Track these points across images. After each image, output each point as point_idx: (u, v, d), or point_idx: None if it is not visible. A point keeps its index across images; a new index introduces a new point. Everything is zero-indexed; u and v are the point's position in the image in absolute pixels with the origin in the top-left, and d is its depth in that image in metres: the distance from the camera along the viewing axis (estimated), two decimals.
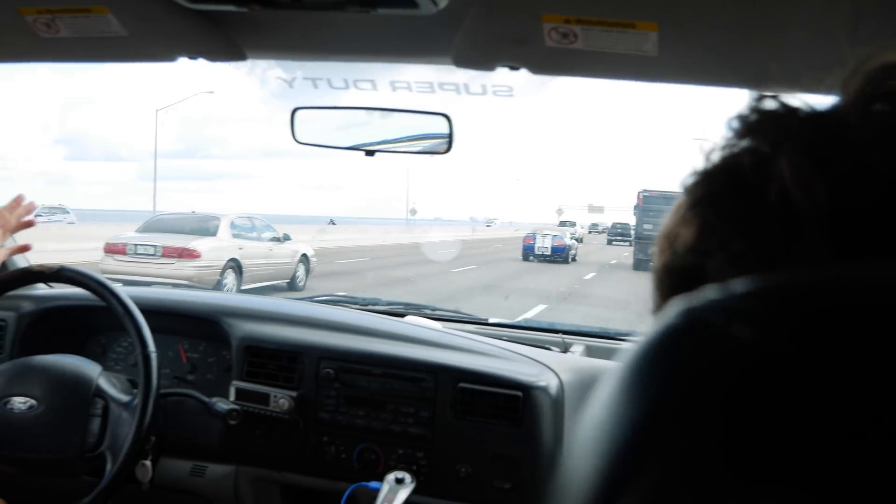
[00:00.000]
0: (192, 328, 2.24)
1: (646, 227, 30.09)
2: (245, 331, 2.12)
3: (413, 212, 78.53)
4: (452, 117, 1.67)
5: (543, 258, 30.41)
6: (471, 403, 1.89)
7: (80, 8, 1.38)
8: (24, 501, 1.86)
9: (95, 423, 1.76)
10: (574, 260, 32.04)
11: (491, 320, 2.57)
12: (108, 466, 1.72)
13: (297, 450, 2.01)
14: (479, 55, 1.42)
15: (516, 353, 2.06)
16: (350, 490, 1.89)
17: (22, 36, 1.51)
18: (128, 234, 15.54)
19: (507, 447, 1.86)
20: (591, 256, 35.71)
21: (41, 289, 2.37)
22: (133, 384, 1.93)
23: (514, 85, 1.66)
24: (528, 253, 31.10)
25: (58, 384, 1.79)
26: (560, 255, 30.78)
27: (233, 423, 1.93)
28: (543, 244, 30.91)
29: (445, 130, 1.67)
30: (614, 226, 57.48)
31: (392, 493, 1.80)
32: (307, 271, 17.00)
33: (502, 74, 1.53)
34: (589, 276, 24.27)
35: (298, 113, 1.81)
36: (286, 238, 16.68)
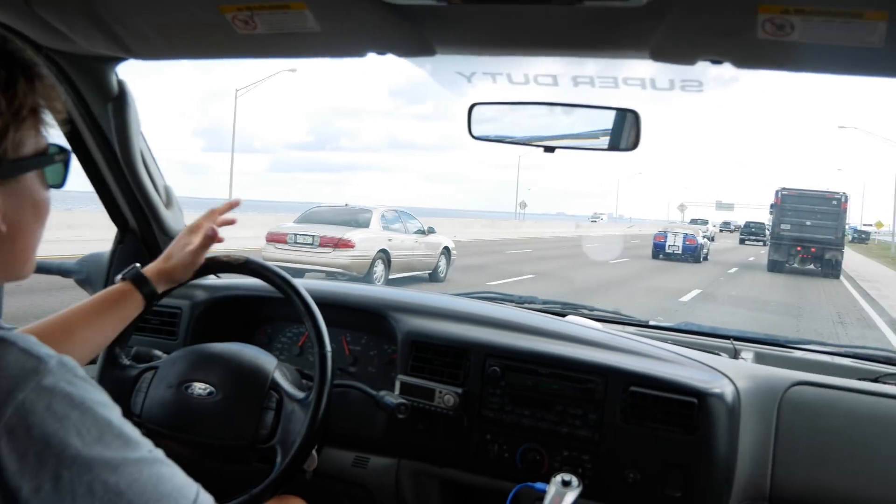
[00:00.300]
0: (355, 321, 2.26)
1: (783, 227, 29.06)
2: (412, 326, 2.13)
3: (523, 205, 77.28)
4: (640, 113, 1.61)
5: (674, 257, 29.94)
6: (642, 408, 1.83)
7: (278, 4, 1.40)
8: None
9: (269, 416, 1.79)
10: (706, 259, 31.39)
11: (651, 322, 2.50)
12: (279, 459, 1.74)
13: (460, 446, 2.00)
14: (680, 49, 1.36)
15: (687, 357, 1.99)
16: (515, 490, 1.86)
17: (220, 33, 1.54)
18: (287, 224, 16.95)
19: (679, 454, 1.79)
20: (726, 255, 34.71)
21: (211, 279, 2.44)
22: (302, 376, 1.96)
23: (705, 80, 1.59)
24: (658, 251, 30.83)
25: (237, 374, 1.82)
26: (691, 255, 30.31)
27: (401, 416, 1.93)
28: (675, 242, 30.49)
29: (632, 126, 1.62)
30: (748, 224, 56.51)
31: (559, 496, 1.76)
32: (448, 263, 18.15)
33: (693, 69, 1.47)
34: (723, 277, 23.73)
35: (476, 108, 1.79)
36: (430, 231, 17.78)
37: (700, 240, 31.28)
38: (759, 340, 2.32)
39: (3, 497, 0.87)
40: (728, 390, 1.83)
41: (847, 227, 35.84)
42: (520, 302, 2.58)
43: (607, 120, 1.67)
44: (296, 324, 2.43)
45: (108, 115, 2.00)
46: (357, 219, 16.36)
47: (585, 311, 2.53)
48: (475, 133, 1.81)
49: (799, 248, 28.15)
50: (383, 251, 15.84)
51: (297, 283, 1.87)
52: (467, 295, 2.55)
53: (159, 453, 0.99)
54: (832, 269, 27.96)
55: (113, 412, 0.97)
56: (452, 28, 1.47)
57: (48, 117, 1.07)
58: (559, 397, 1.92)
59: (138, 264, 1.81)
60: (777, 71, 1.39)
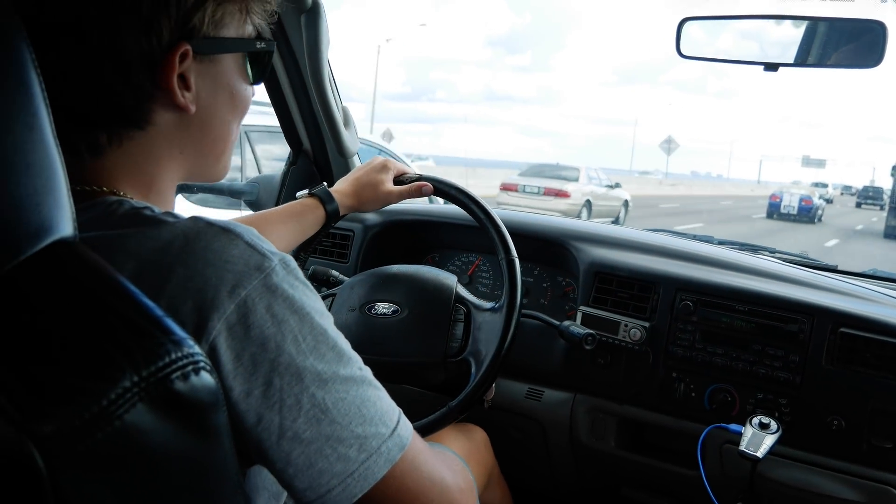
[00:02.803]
0: (529, 251, 2.19)
1: None
2: (594, 255, 2.05)
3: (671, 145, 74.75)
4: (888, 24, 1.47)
5: (789, 217, 29.73)
6: (852, 351, 1.72)
7: None
8: None
9: (459, 328, 1.74)
10: (820, 220, 30.92)
11: (840, 268, 2.36)
12: (473, 370, 1.69)
13: (643, 384, 1.93)
14: None
15: None
16: (708, 430, 1.78)
17: None
18: (515, 177, 21.96)
19: (892, 403, 1.67)
20: (842, 219, 33.74)
21: None
22: (482, 297, 1.91)
23: None
24: (773, 210, 30.66)
25: (420, 290, 1.79)
26: (806, 215, 30.11)
27: (588, 347, 1.86)
28: (790, 203, 30.34)
29: (877, 39, 1.48)
30: (865, 189, 56.86)
31: (757, 439, 1.67)
32: (626, 213, 22.82)
33: None
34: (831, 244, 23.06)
35: (686, 25, 1.68)
36: (617, 185, 22.48)
37: (816, 201, 31.05)
38: None
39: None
40: None
41: None
42: (698, 239, 2.47)
43: (844, 34, 1.54)
44: (464, 252, 2.40)
45: (299, 28, 1.97)
46: (569, 175, 21.01)
47: (767, 253, 2.41)
48: (685, 51, 1.70)
49: None
50: (588, 201, 20.25)
51: (478, 195, 1.82)
52: (648, 230, 2.46)
53: (368, 372, 0.96)
54: None
55: (329, 322, 0.93)
56: None
57: (257, 5, 1.04)
58: (758, 336, 1.81)
59: (325, 183, 1.81)
60: None
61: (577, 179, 20.62)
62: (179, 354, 0.68)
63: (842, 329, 1.73)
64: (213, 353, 0.84)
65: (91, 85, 0.92)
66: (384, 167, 1.87)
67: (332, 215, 1.77)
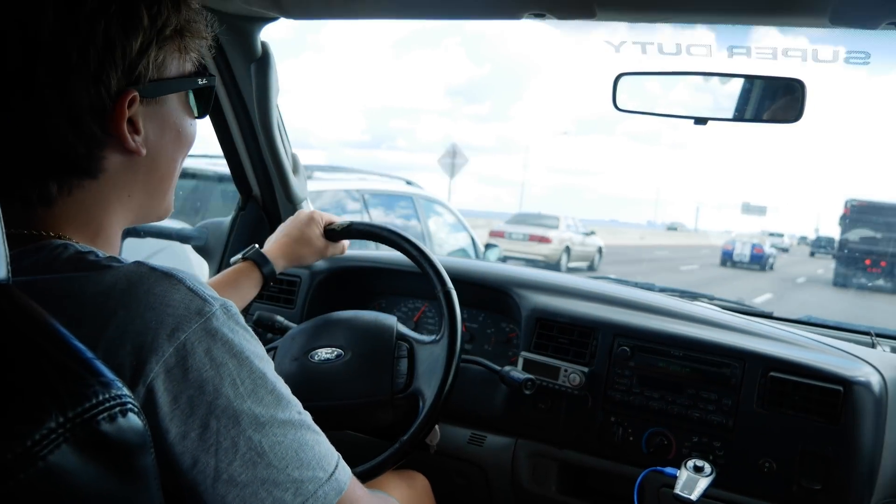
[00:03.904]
0: (473, 298, 2.23)
1: (851, 239, 28.25)
2: (536, 302, 2.09)
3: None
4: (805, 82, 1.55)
5: (741, 265, 30.36)
6: (781, 394, 1.77)
7: None
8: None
9: (403, 364, 1.76)
10: (772, 268, 31.55)
11: (775, 314, 2.42)
12: (421, 403, 1.70)
13: (583, 428, 1.96)
14: (863, 10, 1.30)
15: (827, 344, 1.92)
16: (644, 474, 1.81)
17: None
18: (502, 224, 23.84)
19: (820, 445, 1.72)
20: (794, 268, 34.29)
21: None
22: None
23: (872, 50, 1.53)
24: (726, 259, 31.37)
25: (361, 332, 1.81)
26: (758, 263, 30.93)
27: (528, 392, 1.90)
28: (742, 251, 31.22)
29: (796, 97, 1.56)
30: (818, 238, 58.91)
31: (691, 482, 1.71)
32: (600, 258, 24.28)
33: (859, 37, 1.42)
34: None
35: (623, 79, 1.75)
36: (592, 233, 24.15)
37: (767, 249, 32.10)
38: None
39: (154, 438, 0.86)
40: (874, 379, 1.75)
41: None
42: (639, 286, 2.53)
43: (768, 90, 1.62)
44: (411, 298, 2.42)
45: (248, 76, 2.01)
46: (550, 223, 22.69)
47: (705, 300, 2.47)
48: (620, 105, 1.77)
49: (868, 262, 27.28)
50: (567, 247, 21.84)
51: (407, 233, 1.86)
52: (588, 277, 2.50)
53: (307, 417, 0.97)
54: None
55: (268, 366, 0.95)
56: None
57: (193, 42, 1.07)
58: (692, 381, 1.86)
59: (256, 245, 1.83)
60: None
61: (556, 227, 22.39)
62: (107, 396, 0.69)
63: (772, 373, 1.78)
64: (150, 396, 0.85)
65: (43, 136, 0.94)
66: (311, 220, 1.90)
67: (269, 277, 1.79)
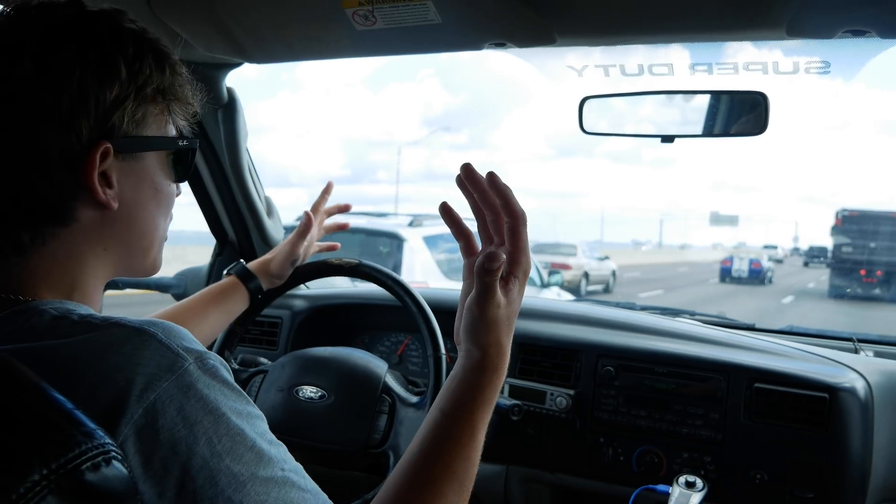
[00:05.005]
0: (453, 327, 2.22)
1: (844, 249, 28.28)
2: (518, 328, 2.06)
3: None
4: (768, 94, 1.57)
5: (740, 280, 30.61)
6: (768, 405, 1.77)
7: None
8: None
9: (382, 420, 1.76)
10: (771, 282, 31.62)
11: (757, 325, 2.42)
12: (391, 464, 1.70)
13: (573, 450, 1.95)
14: (819, 20, 1.31)
15: (810, 353, 1.92)
16: (636, 493, 1.80)
17: (338, 30, 1.54)
18: None
19: (810, 453, 1.72)
20: (790, 279, 34.47)
21: (303, 289, 2.44)
22: (410, 382, 1.93)
23: (832, 59, 1.54)
24: (725, 275, 31.92)
25: (348, 377, 1.81)
26: (757, 277, 31.22)
27: (515, 418, 1.90)
28: (740, 266, 31.61)
29: (760, 109, 1.57)
30: (811, 248, 59.59)
31: (683, 498, 1.70)
32: (614, 281, 25.67)
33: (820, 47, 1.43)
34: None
35: (588, 102, 1.76)
36: (606, 258, 26.01)
37: (765, 263, 32.52)
38: (879, 341, 2.22)
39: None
40: (859, 385, 1.75)
41: None
42: (620, 306, 2.53)
43: (732, 105, 1.63)
44: (394, 332, 2.41)
45: (217, 122, 2.02)
46: (568, 251, 24.09)
47: (686, 316, 2.47)
48: (587, 128, 1.78)
49: (863, 272, 27.28)
50: (585, 272, 23.05)
51: (412, 286, 1.85)
52: (569, 300, 2.51)
53: (291, 473, 0.92)
54: None
55: (249, 422, 0.90)
56: (576, 15, 1.45)
57: (179, 106, 1.07)
58: (678, 397, 1.86)
59: (243, 260, 1.83)
60: None
61: (575, 254, 23.91)
62: (90, 445, 0.68)
63: (756, 384, 1.78)
64: (123, 457, 0.80)
65: (12, 183, 0.93)
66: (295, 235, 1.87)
67: (255, 292, 1.79)
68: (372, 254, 7.66)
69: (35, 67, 0.91)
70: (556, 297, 8.85)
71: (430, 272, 7.55)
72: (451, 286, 7.34)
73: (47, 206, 0.96)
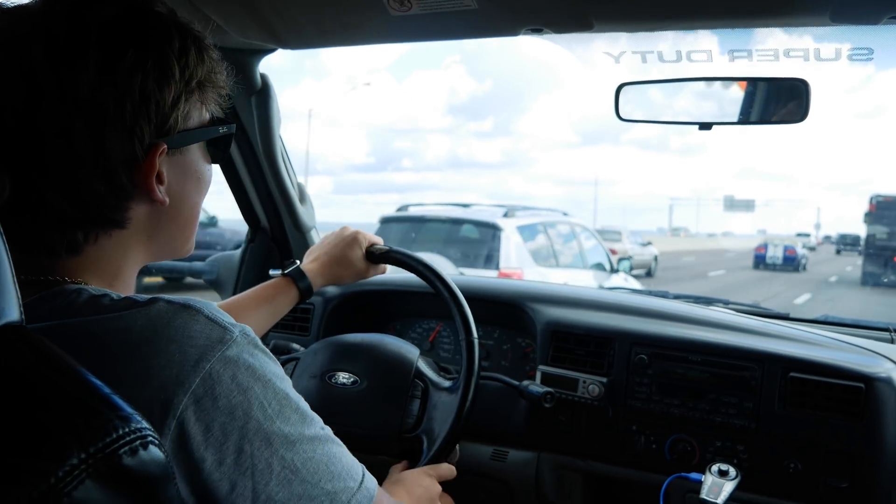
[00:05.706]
0: (488, 315, 2.22)
1: (879, 237, 27.87)
2: (551, 315, 2.08)
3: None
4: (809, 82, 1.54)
5: (774, 267, 31.18)
6: (802, 395, 1.75)
7: None
8: None
9: (415, 405, 1.76)
10: (805, 269, 31.56)
11: (792, 315, 2.39)
12: (425, 448, 1.71)
13: (605, 438, 1.94)
14: (864, 5, 1.28)
15: (847, 342, 1.90)
16: (669, 481, 1.79)
17: (373, 15, 1.53)
18: None
19: (845, 443, 1.70)
20: (824, 266, 34.28)
21: None
22: (440, 369, 1.93)
23: (875, 46, 1.51)
24: (759, 261, 32.51)
25: (381, 363, 1.81)
26: (791, 264, 31.62)
27: (548, 406, 1.89)
28: (775, 253, 32.06)
29: (801, 96, 1.54)
30: (843, 236, 59.42)
31: (716, 486, 1.69)
32: (656, 265, 27.46)
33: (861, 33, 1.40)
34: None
35: (624, 89, 1.74)
36: (649, 244, 27.98)
37: (800, 251, 32.74)
38: None
39: (188, 468, 0.87)
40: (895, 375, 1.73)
41: None
42: (653, 294, 2.51)
43: (771, 92, 1.60)
44: (425, 319, 2.42)
45: (250, 108, 2.02)
46: (614, 237, 25.49)
47: (720, 305, 2.45)
48: (623, 115, 1.76)
49: None
50: (630, 256, 22.76)
51: (443, 271, 1.85)
52: (602, 288, 2.49)
53: (329, 431, 1.01)
54: None
55: (288, 385, 0.97)
56: (614, 0, 1.43)
57: (213, 92, 1.09)
58: (711, 385, 1.84)
59: (298, 261, 1.85)
60: None
61: (620, 240, 25.69)
62: (127, 430, 0.69)
63: (791, 374, 1.76)
64: (182, 428, 0.86)
65: (75, 188, 0.95)
66: (355, 240, 1.90)
67: (305, 293, 1.82)
68: (460, 242, 8.29)
69: (100, 78, 0.93)
70: (623, 283, 9.17)
71: (524, 259, 7.94)
72: (543, 272, 7.95)
73: (107, 209, 0.99)
